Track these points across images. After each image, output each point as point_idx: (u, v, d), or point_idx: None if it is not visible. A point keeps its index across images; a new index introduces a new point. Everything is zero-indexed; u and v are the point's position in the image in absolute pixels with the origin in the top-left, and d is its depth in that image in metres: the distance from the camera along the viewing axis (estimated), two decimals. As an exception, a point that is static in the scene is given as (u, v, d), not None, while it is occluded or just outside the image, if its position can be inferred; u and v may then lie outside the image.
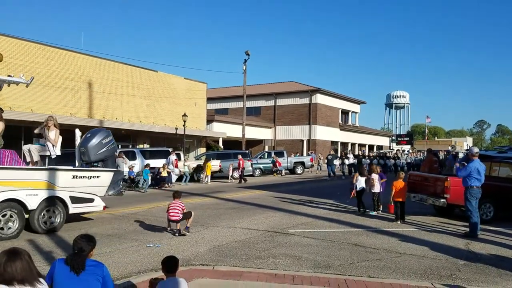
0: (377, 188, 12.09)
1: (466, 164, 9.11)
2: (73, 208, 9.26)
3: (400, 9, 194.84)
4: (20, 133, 23.27)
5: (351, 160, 28.28)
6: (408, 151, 43.50)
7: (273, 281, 5.71)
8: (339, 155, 29.38)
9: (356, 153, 35.37)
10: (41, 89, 23.62)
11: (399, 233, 9.12)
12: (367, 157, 29.31)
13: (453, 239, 8.60)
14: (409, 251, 7.53)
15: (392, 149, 41.02)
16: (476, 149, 9.22)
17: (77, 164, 10.97)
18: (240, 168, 24.14)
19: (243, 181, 23.38)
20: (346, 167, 28.38)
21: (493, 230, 9.56)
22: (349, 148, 49.48)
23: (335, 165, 27.15)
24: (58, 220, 8.97)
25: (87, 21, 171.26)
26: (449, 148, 46.63)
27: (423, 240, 8.48)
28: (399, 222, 10.39)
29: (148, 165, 20.63)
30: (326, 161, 28.76)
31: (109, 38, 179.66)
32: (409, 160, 32.31)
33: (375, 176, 12.16)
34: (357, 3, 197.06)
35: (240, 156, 24.94)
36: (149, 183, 19.30)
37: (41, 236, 8.59)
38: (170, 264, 4.24)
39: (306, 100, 45.13)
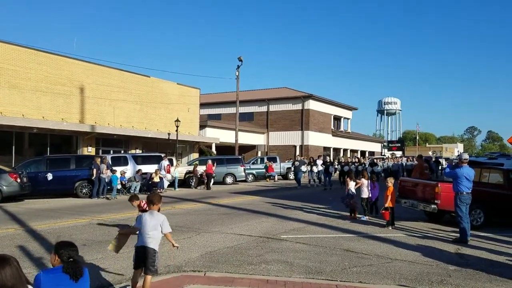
0: (365, 194, 12.22)
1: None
2: None
3: (391, 16, 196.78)
4: (11, 138, 23.11)
5: (319, 167, 24.60)
6: (384, 156, 42.61)
7: (265, 287, 5.72)
8: (307, 161, 26.12)
9: (326, 159, 29.36)
10: (33, 94, 23.50)
11: (390, 239, 9.16)
12: (336, 164, 26.42)
13: (444, 245, 8.66)
14: (400, 256, 7.57)
15: (384, 155, 41.09)
16: (465, 155, 9.31)
17: None
18: (204, 173, 23.58)
19: (206, 188, 22.79)
20: (315, 174, 24.74)
21: (484, 236, 9.64)
22: (341, 154, 49.70)
23: (303, 172, 24.67)
24: None
25: (80, 26, 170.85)
26: (430, 153, 46.83)
27: (414, 245, 8.53)
28: (390, 228, 10.45)
29: (139, 170, 20.63)
30: (292, 168, 26.17)
31: (101, 43, 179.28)
32: (385, 167, 29.28)
33: (363, 181, 12.30)
34: (348, 10, 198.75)
35: (209, 162, 23.67)
36: (118, 188, 18.64)
37: (32, 242, 8.53)
38: (149, 199, 5.38)
39: (298, 106, 45.29)
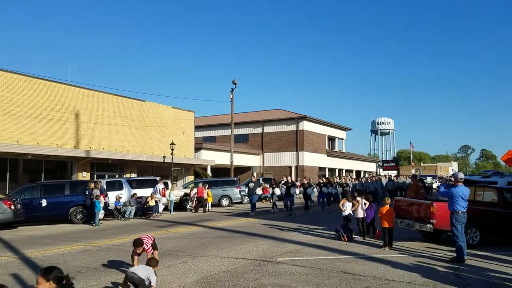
0: (360, 214, 12.20)
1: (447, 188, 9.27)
2: None
3: (384, 36, 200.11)
4: (6, 165, 23.02)
5: (281, 189, 21.31)
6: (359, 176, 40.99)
7: (262, 312, 5.66)
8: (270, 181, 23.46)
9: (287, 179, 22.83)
10: (27, 120, 23.54)
11: (387, 260, 9.13)
12: (299, 185, 22.53)
13: (441, 265, 8.64)
14: (398, 277, 7.54)
15: (379, 174, 41.07)
16: (461, 175, 9.35)
17: None
18: (194, 197, 22.99)
19: (200, 211, 22.31)
20: (276, 197, 21.87)
21: (480, 255, 9.62)
22: (336, 173, 49.73)
23: (258, 195, 21.57)
24: None
25: (73, 52, 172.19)
26: (413, 171, 46.54)
27: (411, 266, 8.50)
28: (387, 249, 10.41)
29: (134, 194, 20.54)
30: (246, 190, 22.80)
31: (96, 68, 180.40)
32: (358, 187, 24.74)
33: (360, 201, 12.27)
34: (341, 32, 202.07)
35: (200, 185, 23.27)
36: (101, 215, 17.56)
37: (26, 270, 8.42)
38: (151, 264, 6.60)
39: (293, 127, 45.61)
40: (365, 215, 12.33)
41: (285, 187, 20.46)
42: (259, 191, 21.59)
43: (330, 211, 21.21)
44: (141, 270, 6.19)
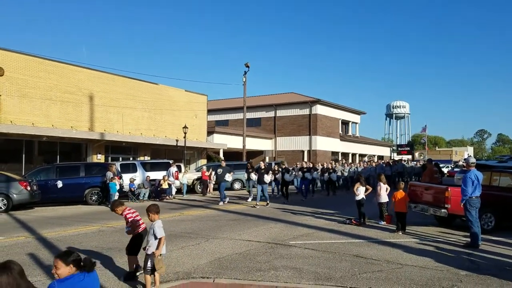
0: (384, 198, 12.04)
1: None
2: None
3: (399, 20, 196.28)
4: (21, 147, 23.37)
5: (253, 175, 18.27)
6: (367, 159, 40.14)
7: (274, 294, 5.70)
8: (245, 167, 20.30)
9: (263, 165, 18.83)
10: (42, 102, 23.77)
11: (400, 244, 9.09)
12: (277, 171, 19.82)
13: (455, 250, 8.57)
14: (411, 262, 7.50)
15: (393, 159, 40.63)
16: (472, 159, 9.23)
17: None
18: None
19: (209, 194, 22.73)
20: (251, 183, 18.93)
21: (495, 240, 9.52)
22: (350, 158, 49.47)
23: (228, 181, 18.68)
24: None
25: (88, 35, 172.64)
26: (416, 155, 45.56)
27: (425, 250, 8.45)
28: (400, 233, 10.36)
29: (148, 177, 20.74)
30: (214, 177, 20.16)
31: (110, 51, 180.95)
32: (350, 173, 24.39)
33: (382, 186, 12.12)
34: (355, 15, 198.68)
35: (204, 168, 23.75)
36: (115, 197, 17.12)
37: (42, 250, 8.59)
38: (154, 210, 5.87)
39: (306, 111, 45.30)
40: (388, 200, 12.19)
41: (257, 174, 17.47)
42: (228, 177, 18.37)
43: (315, 200, 19.92)
44: (154, 241, 5.56)
